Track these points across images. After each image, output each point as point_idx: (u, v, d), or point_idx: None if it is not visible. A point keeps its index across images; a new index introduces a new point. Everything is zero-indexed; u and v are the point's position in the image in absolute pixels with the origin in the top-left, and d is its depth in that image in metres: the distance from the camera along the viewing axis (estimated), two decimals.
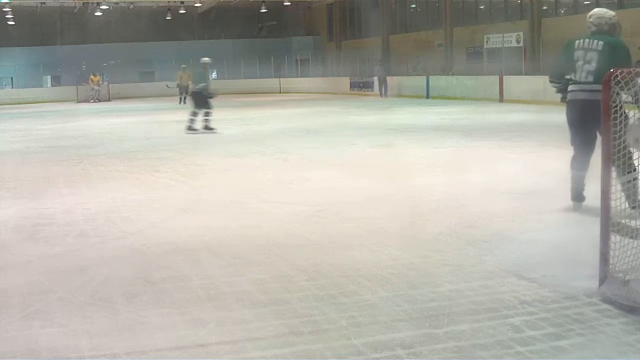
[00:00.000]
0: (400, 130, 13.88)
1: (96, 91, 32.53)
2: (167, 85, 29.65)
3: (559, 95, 5.72)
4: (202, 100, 14.27)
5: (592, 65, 5.31)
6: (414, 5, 35.95)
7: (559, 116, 5.78)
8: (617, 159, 3.77)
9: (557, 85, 5.69)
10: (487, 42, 26.70)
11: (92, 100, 31.77)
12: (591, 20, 5.47)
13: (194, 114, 14.26)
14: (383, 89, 28.44)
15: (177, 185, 7.78)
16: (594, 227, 3.68)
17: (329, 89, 33.57)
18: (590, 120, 5.20)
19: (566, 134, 5.53)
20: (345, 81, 33.83)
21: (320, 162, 9.45)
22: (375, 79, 29.86)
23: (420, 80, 27.35)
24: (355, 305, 3.59)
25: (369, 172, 8.27)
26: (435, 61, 28.83)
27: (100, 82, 33.21)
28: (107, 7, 36.89)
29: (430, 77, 27.11)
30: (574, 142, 5.53)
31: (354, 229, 5.32)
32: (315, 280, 4.04)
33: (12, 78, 38.45)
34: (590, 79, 5.30)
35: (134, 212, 6.27)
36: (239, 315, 3.49)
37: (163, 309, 3.62)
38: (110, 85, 34.01)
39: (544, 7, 25.49)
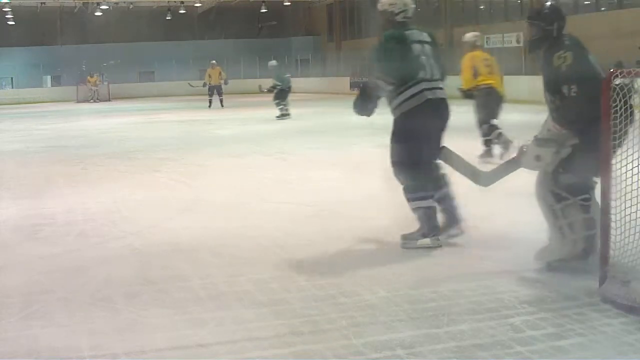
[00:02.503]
0: None
1: (94, 92, 32.53)
2: (189, 84, 25.95)
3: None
4: None
5: (432, 61, 4.67)
6: (413, 6, 35.94)
7: None
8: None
9: (394, 88, 4.65)
10: (487, 42, 26.69)
11: (91, 101, 31.78)
12: (408, 8, 4.82)
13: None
14: None
15: (177, 185, 7.78)
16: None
17: (329, 89, 33.54)
18: (442, 122, 4.70)
19: None
20: (345, 81, 33.81)
21: (320, 162, 9.45)
22: None
23: None
24: (355, 305, 3.59)
25: (369, 172, 8.25)
26: None
27: (98, 83, 33.19)
28: (107, 7, 36.90)
29: None
30: (417, 155, 4.62)
31: (354, 228, 5.31)
32: (315, 280, 4.04)
33: (12, 78, 38.45)
34: (438, 75, 4.68)
35: (134, 212, 6.27)
36: (239, 315, 3.49)
37: (163, 309, 3.62)
38: (110, 85, 34.01)
39: None
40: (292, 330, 3.27)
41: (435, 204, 4.73)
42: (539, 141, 4.01)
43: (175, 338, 3.23)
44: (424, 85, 4.61)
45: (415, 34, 4.73)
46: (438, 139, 4.71)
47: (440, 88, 4.70)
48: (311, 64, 38.61)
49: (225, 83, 23.08)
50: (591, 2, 24.59)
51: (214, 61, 23.35)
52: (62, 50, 37.77)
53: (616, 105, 3.50)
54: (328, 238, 5.07)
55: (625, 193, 3.51)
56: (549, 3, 4.30)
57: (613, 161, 3.52)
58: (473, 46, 9.00)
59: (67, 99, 32.16)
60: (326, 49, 41.04)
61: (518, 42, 25.18)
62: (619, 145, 3.67)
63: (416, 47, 4.67)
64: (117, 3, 36.98)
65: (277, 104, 17.39)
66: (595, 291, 3.60)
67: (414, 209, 4.71)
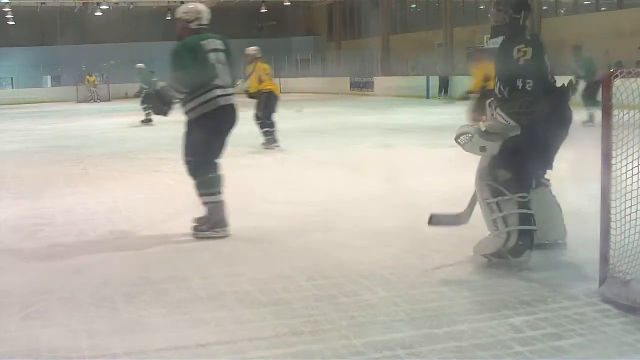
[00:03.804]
0: (400, 130, 13.88)
1: (93, 92, 32.52)
2: (126, 94, 24.47)
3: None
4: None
5: (226, 68, 5.06)
6: (414, 5, 35.99)
7: None
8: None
9: (189, 93, 4.94)
10: (487, 42, 26.68)
11: (91, 101, 31.78)
12: (202, 16, 5.09)
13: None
14: (443, 90, 25.80)
15: (177, 185, 7.76)
16: (594, 227, 3.67)
17: (329, 89, 33.55)
18: (232, 125, 5.17)
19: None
20: (345, 81, 33.83)
21: (320, 162, 9.45)
22: (432, 78, 26.97)
23: (420, 80, 27.34)
24: (355, 305, 3.59)
25: (369, 172, 8.27)
26: (436, 61, 28.85)
27: (96, 83, 33.17)
28: (107, 7, 36.94)
29: (430, 77, 27.09)
30: (209, 155, 5.10)
31: (353, 228, 5.32)
32: (315, 280, 4.04)
33: (12, 78, 38.49)
34: (230, 82, 5.13)
35: (134, 212, 6.27)
36: (239, 315, 3.49)
37: (163, 309, 3.62)
38: (111, 85, 33.99)
39: (544, 7, 25.50)
40: (292, 330, 3.27)
41: (223, 199, 5.13)
42: (485, 134, 4.06)
43: (175, 338, 3.23)
44: (218, 92, 5.00)
45: (211, 42, 5.03)
46: (226, 139, 5.17)
47: (231, 94, 5.13)
48: (311, 64, 38.62)
49: None
50: (591, 2, 24.61)
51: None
52: (62, 50, 37.78)
53: (557, 108, 3.61)
54: (328, 238, 5.07)
55: (625, 193, 3.51)
56: None
57: (613, 161, 3.53)
58: (254, 58, 10.97)
59: (67, 99, 32.16)
60: (326, 49, 41.06)
61: None
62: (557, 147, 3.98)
63: (211, 56, 4.99)
64: (117, 3, 37.00)
65: (145, 109, 16.63)
66: (595, 291, 3.60)
67: (205, 203, 5.12)
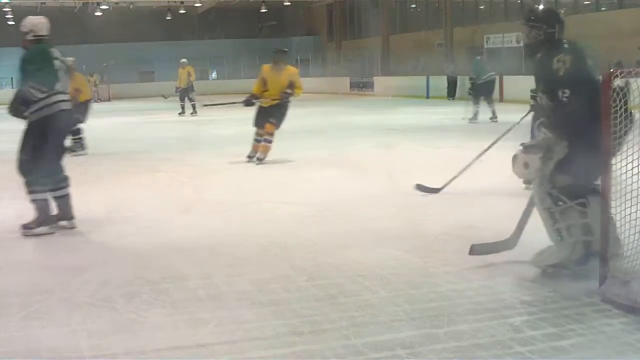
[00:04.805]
0: (400, 130, 13.87)
1: (94, 92, 32.50)
2: (163, 97, 22.99)
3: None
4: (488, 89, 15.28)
5: (65, 76, 5.52)
6: (414, 5, 35.97)
7: None
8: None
9: (43, 95, 5.26)
10: (487, 42, 26.70)
11: (92, 100, 31.78)
12: (38, 28, 5.59)
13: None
14: (451, 91, 25.61)
15: (177, 185, 7.78)
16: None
17: (329, 89, 33.54)
18: (69, 128, 5.83)
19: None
20: (346, 81, 33.83)
21: (320, 162, 9.45)
22: (432, 78, 26.88)
23: (420, 80, 27.33)
24: (355, 305, 3.60)
25: (369, 172, 8.27)
26: (436, 61, 28.84)
27: (97, 83, 33.17)
28: (107, 7, 36.93)
29: (431, 77, 27.09)
30: (41, 155, 5.42)
31: (354, 229, 5.32)
32: (315, 280, 4.04)
33: (12, 78, 38.41)
34: (67, 88, 5.57)
35: (134, 212, 6.27)
36: (238, 315, 3.49)
37: (163, 309, 3.62)
38: (110, 85, 33.99)
39: None
40: (292, 330, 3.27)
41: (49, 197, 5.40)
42: (525, 148, 4.00)
43: (175, 338, 3.23)
44: (60, 96, 5.38)
45: (54, 51, 5.50)
46: (64, 141, 5.63)
47: (68, 100, 5.55)
48: (311, 64, 38.59)
49: (187, 84, 19.80)
50: (591, 2, 24.60)
51: (183, 59, 20.18)
52: (62, 50, 37.33)
53: (616, 106, 3.49)
54: (328, 238, 5.07)
55: (625, 193, 3.51)
56: (545, 6, 4.26)
57: (613, 161, 3.52)
58: (73, 69, 11.12)
59: None
60: (326, 49, 41.06)
61: (518, 42, 25.18)
62: (619, 146, 3.67)
63: (56, 63, 5.44)
64: (117, 3, 36.99)
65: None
66: (595, 291, 3.60)
67: (32, 201, 5.39)
